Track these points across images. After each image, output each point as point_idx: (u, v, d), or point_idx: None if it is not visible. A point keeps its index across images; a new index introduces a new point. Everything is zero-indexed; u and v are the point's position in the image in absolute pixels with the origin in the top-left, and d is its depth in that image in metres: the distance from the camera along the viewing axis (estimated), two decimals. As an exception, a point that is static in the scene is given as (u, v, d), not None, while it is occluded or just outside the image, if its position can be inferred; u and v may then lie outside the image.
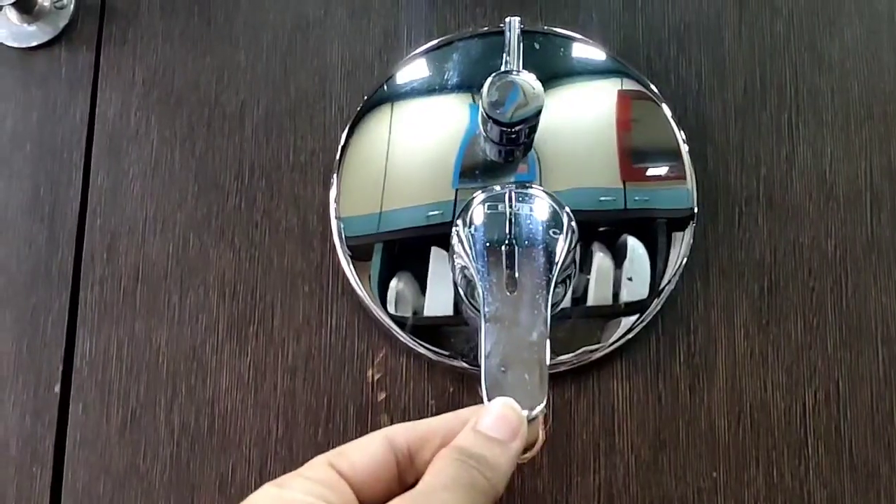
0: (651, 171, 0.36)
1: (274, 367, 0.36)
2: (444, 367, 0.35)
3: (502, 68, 0.35)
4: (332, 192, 0.37)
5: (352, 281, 0.36)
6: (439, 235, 0.36)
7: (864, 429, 0.34)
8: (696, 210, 0.36)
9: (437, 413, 0.34)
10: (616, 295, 0.35)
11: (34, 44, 0.40)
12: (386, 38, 0.39)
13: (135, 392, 0.36)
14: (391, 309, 0.35)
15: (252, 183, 0.38)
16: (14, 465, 0.35)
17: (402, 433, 0.26)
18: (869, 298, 0.35)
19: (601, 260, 0.36)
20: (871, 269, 0.36)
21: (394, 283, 0.36)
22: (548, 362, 0.29)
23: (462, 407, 0.35)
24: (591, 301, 0.35)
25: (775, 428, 0.34)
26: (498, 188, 0.35)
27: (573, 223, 0.34)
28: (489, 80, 0.33)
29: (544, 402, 0.28)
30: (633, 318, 0.35)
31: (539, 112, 0.33)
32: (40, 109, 0.39)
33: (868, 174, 0.37)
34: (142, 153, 0.39)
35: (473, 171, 0.36)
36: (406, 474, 0.26)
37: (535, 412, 0.28)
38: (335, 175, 0.37)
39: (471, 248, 0.32)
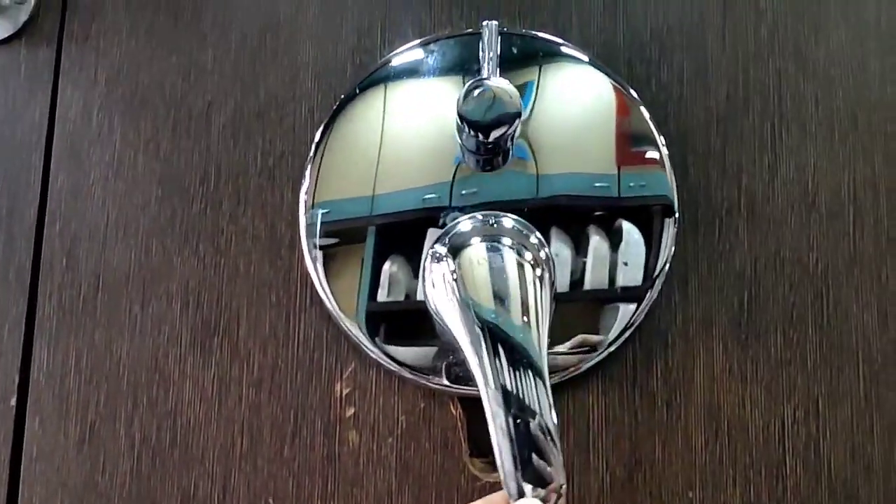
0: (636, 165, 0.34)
1: (239, 380, 0.33)
2: (415, 381, 0.33)
3: (480, 74, 0.32)
4: (302, 193, 0.35)
5: (320, 291, 0.34)
6: (414, 229, 0.33)
7: (844, 448, 0.32)
8: (676, 215, 0.34)
9: (407, 431, 0.32)
10: (613, 279, 0.33)
11: (-7, 39, 0.38)
12: (359, 39, 0.37)
13: (94, 404, 0.33)
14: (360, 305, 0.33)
15: (218, 187, 0.35)
16: (-33, 480, 0.33)
17: None
18: (850, 314, 0.33)
19: (597, 244, 0.34)
20: (852, 285, 0.34)
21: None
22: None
23: (433, 423, 0.33)
24: (588, 285, 0.33)
25: (753, 446, 0.32)
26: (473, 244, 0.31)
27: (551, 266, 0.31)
28: (464, 88, 0.31)
29: (564, 480, 0.26)
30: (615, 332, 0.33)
31: (516, 121, 0.31)
32: (-2, 108, 0.37)
33: (851, 186, 0.35)
34: (104, 155, 0.36)
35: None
36: None
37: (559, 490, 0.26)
38: (308, 173, 0.35)
39: (450, 321, 0.30)
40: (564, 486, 0.26)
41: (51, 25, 0.37)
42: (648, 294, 0.33)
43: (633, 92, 0.35)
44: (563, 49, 0.35)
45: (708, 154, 0.35)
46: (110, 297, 0.34)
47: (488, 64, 0.33)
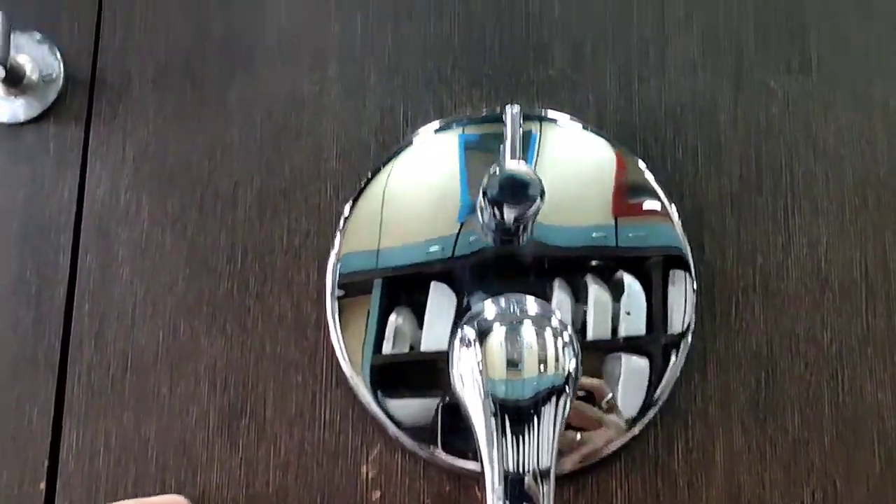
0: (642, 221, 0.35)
1: (266, 463, 0.34)
2: (441, 464, 0.33)
3: (502, 159, 0.33)
4: (329, 268, 0.35)
5: (346, 370, 0.34)
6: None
7: (862, 530, 0.33)
8: (695, 285, 0.34)
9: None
10: (615, 329, 0.34)
11: (22, 119, 0.38)
12: (382, 119, 0.37)
13: (122, 487, 0.33)
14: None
15: (245, 266, 0.36)
16: (-4, 564, 0.33)
17: None
18: (865, 393, 0.34)
19: (598, 293, 0.34)
20: (866, 363, 0.34)
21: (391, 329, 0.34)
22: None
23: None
24: (590, 335, 0.34)
25: (773, 525, 0.33)
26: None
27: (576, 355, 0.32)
28: (489, 172, 0.31)
29: None
30: (633, 415, 0.33)
31: (538, 204, 0.32)
32: (27, 187, 0.37)
33: (863, 264, 0.35)
34: (132, 234, 0.36)
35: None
36: None
37: None
38: (335, 248, 0.35)
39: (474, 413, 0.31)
40: None
41: (79, 104, 0.38)
42: (672, 365, 0.33)
43: (649, 176, 0.35)
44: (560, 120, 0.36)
45: (723, 232, 0.36)
46: (139, 378, 0.34)
47: (511, 147, 0.33)
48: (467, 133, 0.36)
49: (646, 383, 0.33)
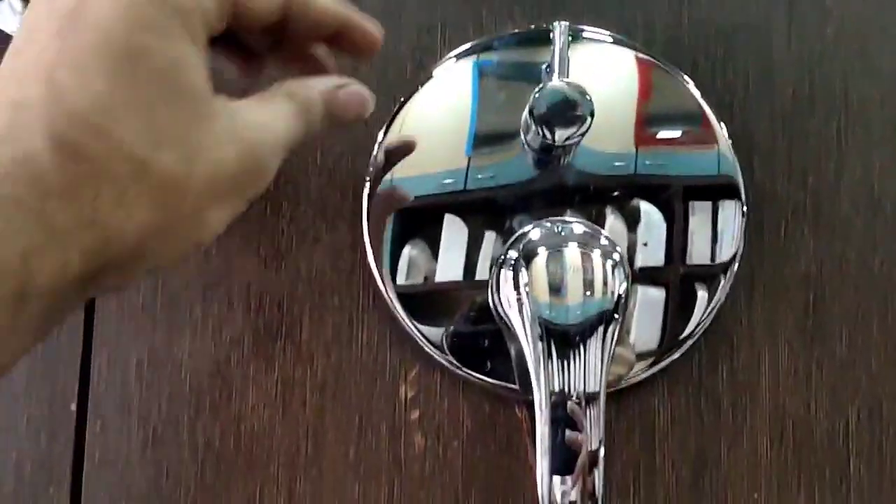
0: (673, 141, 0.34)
1: (302, 383, 0.33)
2: (481, 384, 0.32)
3: (550, 76, 0.31)
4: (365, 191, 0.34)
5: (384, 292, 0.33)
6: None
7: (910, 451, 0.32)
8: (745, 209, 0.33)
9: (473, 434, 0.32)
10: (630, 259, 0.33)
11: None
12: (419, 36, 0.36)
13: (156, 407, 0.33)
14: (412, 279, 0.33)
15: (277, 187, 0.34)
16: (29, 486, 0.32)
17: None
18: (915, 316, 0.33)
19: (614, 223, 0.33)
20: (917, 287, 0.34)
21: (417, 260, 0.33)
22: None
23: (499, 426, 0.33)
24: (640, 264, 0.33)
25: (818, 448, 0.32)
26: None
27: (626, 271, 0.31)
28: (537, 90, 0.30)
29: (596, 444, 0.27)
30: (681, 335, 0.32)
31: (587, 124, 0.30)
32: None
33: (917, 188, 0.34)
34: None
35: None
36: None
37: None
38: (371, 170, 0.34)
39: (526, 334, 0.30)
40: (599, 450, 0.27)
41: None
42: (718, 291, 0.33)
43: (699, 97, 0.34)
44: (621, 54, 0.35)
45: (773, 154, 0.34)
46: (170, 300, 0.33)
47: (559, 64, 0.32)
48: (507, 49, 0.35)
49: (703, 307, 0.33)
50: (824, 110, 0.35)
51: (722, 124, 0.34)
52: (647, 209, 0.34)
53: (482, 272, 0.33)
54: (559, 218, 0.32)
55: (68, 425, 0.32)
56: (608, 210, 0.34)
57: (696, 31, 0.35)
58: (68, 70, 0.18)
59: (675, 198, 0.34)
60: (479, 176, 0.34)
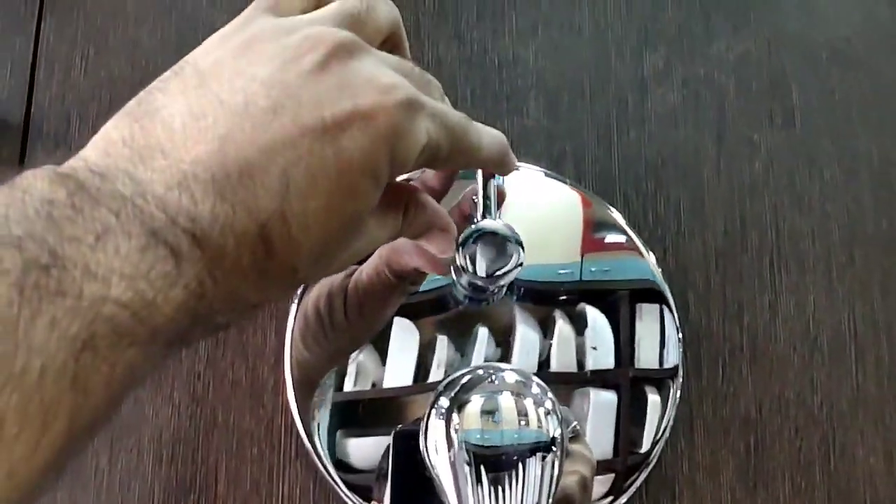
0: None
1: (216, 546, 0.30)
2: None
3: (478, 217, 0.31)
4: (288, 335, 0.32)
5: (306, 442, 0.31)
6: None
7: None
8: (681, 363, 0.32)
9: None
10: (581, 363, 0.32)
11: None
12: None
13: (51, 576, 0.30)
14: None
15: (197, 325, 0.33)
16: None
17: None
18: (857, 458, 0.32)
19: (563, 327, 0.33)
20: (857, 427, 0.33)
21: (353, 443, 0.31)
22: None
23: None
24: (554, 367, 0.32)
25: None
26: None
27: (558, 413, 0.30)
28: (466, 233, 0.29)
29: None
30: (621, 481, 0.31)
31: (518, 268, 0.29)
32: None
33: (852, 324, 0.34)
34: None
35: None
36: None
37: None
38: (294, 308, 0.32)
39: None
40: None
41: (9, 151, 0.35)
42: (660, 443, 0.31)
43: (631, 234, 0.34)
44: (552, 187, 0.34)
45: (708, 291, 0.34)
46: (73, 452, 0.31)
47: (488, 204, 0.31)
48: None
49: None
50: (756, 244, 0.35)
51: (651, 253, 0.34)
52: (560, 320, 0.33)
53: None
54: (491, 364, 0.31)
55: None
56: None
57: (626, 165, 0.35)
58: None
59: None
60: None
